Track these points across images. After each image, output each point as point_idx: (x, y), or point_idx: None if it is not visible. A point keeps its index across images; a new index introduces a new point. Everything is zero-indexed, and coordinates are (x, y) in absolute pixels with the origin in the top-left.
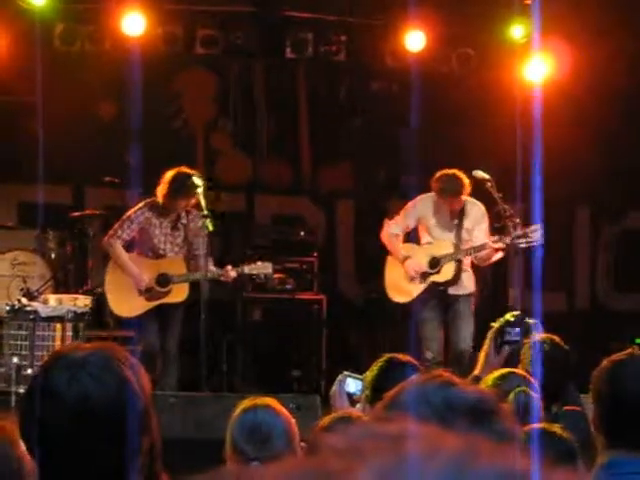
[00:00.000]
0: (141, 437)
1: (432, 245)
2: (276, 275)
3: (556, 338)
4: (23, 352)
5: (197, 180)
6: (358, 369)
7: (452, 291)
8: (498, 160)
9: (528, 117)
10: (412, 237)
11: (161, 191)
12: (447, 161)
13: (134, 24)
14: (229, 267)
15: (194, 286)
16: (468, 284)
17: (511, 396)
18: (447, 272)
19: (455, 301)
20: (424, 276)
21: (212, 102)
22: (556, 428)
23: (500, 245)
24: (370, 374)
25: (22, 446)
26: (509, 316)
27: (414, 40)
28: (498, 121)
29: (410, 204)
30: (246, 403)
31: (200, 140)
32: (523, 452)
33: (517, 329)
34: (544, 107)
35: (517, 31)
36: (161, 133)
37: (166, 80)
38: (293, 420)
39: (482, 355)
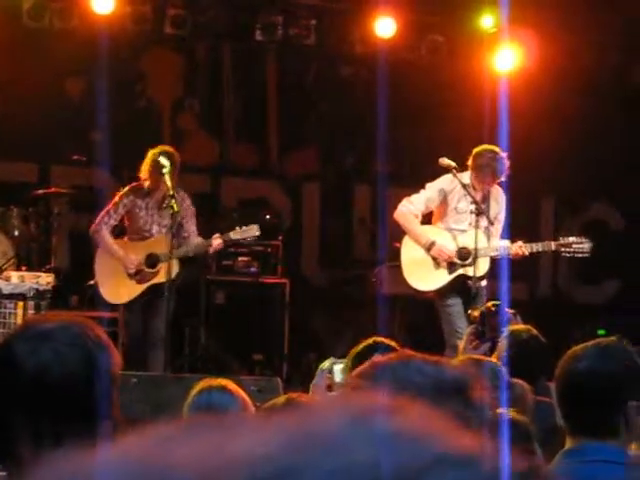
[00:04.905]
0: (105, 417)
1: (461, 233)
2: (240, 258)
3: (534, 330)
4: None
5: (163, 160)
6: (320, 353)
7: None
8: (465, 148)
9: (496, 106)
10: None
11: (144, 171)
12: (414, 148)
13: (103, 2)
14: (215, 235)
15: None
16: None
17: None
18: (481, 267)
19: (477, 293)
20: (452, 266)
21: (179, 82)
22: (511, 412)
23: (545, 249)
24: (355, 350)
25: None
26: (490, 305)
27: (384, 26)
28: (466, 110)
29: (435, 183)
30: (202, 384)
31: (166, 120)
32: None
33: None
34: (512, 97)
35: (487, 20)
36: (128, 112)
37: (134, 59)
38: (249, 401)
39: (461, 346)
